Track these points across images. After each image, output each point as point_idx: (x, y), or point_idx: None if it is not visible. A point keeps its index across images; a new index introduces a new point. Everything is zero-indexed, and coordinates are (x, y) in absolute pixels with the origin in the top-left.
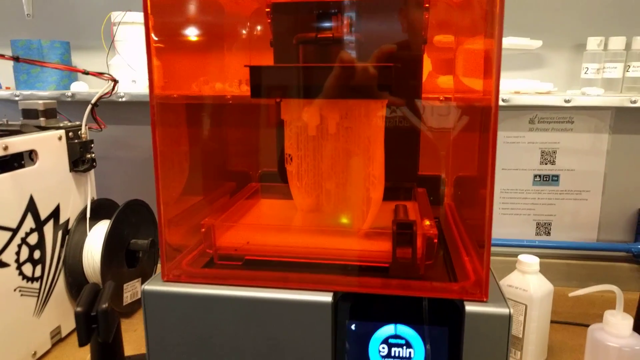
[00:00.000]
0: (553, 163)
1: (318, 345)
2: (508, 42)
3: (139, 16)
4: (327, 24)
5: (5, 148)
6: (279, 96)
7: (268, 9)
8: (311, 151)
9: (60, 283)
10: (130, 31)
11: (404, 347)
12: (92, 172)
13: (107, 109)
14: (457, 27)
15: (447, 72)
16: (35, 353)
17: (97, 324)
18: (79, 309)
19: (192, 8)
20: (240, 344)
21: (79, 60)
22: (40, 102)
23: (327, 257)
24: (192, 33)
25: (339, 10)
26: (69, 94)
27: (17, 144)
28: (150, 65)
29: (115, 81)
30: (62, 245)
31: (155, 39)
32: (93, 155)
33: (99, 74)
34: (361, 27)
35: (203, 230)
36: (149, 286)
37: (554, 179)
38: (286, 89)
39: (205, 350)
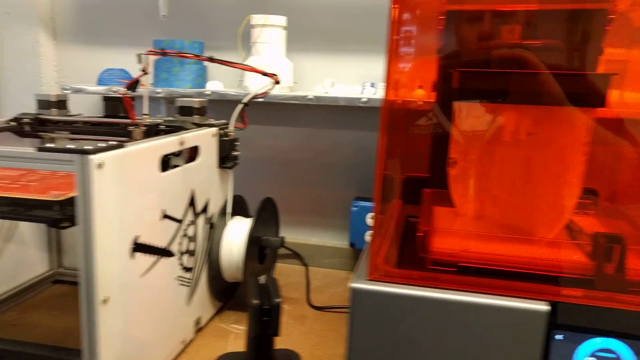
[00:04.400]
0: None
1: (526, 354)
2: None
3: (279, 19)
4: (508, 31)
5: (182, 143)
6: (488, 100)
7: (442, 17)
8: (480, 156)
9: (202, 275)
10: (269, 33)
11: None
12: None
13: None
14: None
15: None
16: (184, 340)
17: (270, 317)
18: (256, 301)
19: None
20: (445, 347)
21: None
22: (196, 100)
23: (540, 267)
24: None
25: (520, 18)
26: (208, 92)
27: (189, 139)
28: (389, 71)
29: (278, 82)
30: (207, 239)
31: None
32: (238, 152)
33: (272, 75)
34: (540, 35)
35: (420, 234)
36: (357, 284)
37: None
38: (494, 93)
39: (408, 352)
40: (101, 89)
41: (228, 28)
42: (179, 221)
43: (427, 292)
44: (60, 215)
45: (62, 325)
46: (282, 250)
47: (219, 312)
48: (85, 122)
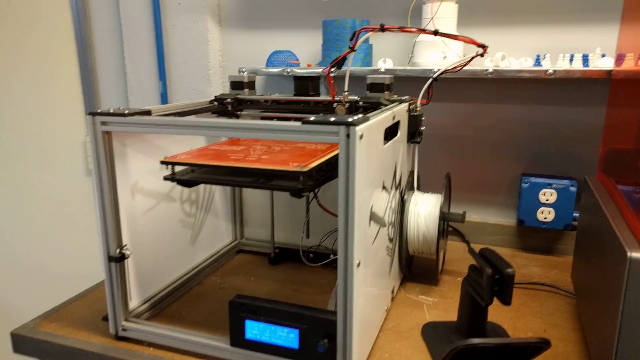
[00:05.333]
0: None
1: None
2: None
3: None
4: None
5: (394, 118)
6: None
7: None
8: None
9: (396, 247)
10: (444, 8)
11: None
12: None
13: (404, 83)
14: None
15: None
16: (387, 309)
17: (500, 287)
18: (490, 271)
19: None
20: None
21: (375, 38)
22: (387, 77)
23: None
24: None
25: None
26: (382, 69)
27: (398, 114)
28: None
29: (482, 55)
30: (400, 212)
31: None
32: (424, 128)
33: (485, 48)
34: None
35: None
36: (638, 254)
37: None
38: None
39: None
40: (275, 70)
41: (389, 6)
42: (388, 192)
43: None
44: (303, 185)
45: (265, 290)
46: None
47: (401, 284)
48: (275, 101)
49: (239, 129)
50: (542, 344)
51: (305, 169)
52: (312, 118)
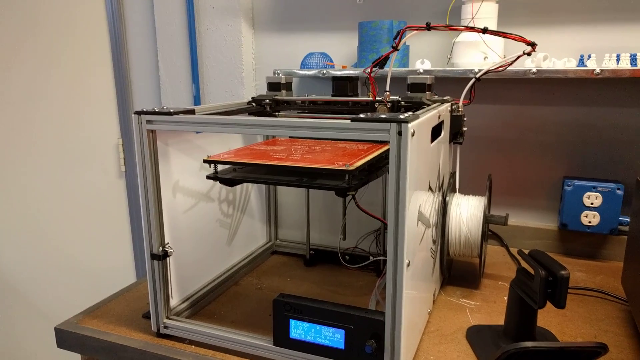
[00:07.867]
0: None
1: None
2: None
3: None
4: None
5: (439, 117)
6: None
7: None
8: None
9: (438, 249)
10: (485, 8)
11: None
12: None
13: (442, 85)
14: None
15: None
16: (429, 311)
17: (553, 289)
18: (544, 272)
19: None
20: None
21: (411, 40)
22: (428, 76)
23: None
24: None
25: None
26: (421, 70)
27: (442, 113)
28: None
29: (529, 54)
30: (442, 214)
31: None
32: (466, 129)
33: (534, 46)
34: None
35: None
36: None
37: None
38: None
39: None
40: (311, 71)
41: (425, 7)
42: (433, 193)
43: None
44: (348, 184)
45: (303, 291)
46: None
47: (441, 287)
48: (313, 102)
49: (288, 126)
50: (599, 349)
51: (352, 168)
52: (361, 115)
